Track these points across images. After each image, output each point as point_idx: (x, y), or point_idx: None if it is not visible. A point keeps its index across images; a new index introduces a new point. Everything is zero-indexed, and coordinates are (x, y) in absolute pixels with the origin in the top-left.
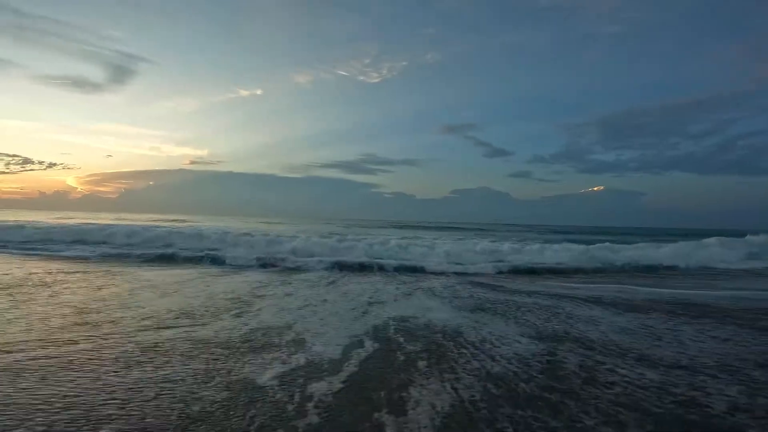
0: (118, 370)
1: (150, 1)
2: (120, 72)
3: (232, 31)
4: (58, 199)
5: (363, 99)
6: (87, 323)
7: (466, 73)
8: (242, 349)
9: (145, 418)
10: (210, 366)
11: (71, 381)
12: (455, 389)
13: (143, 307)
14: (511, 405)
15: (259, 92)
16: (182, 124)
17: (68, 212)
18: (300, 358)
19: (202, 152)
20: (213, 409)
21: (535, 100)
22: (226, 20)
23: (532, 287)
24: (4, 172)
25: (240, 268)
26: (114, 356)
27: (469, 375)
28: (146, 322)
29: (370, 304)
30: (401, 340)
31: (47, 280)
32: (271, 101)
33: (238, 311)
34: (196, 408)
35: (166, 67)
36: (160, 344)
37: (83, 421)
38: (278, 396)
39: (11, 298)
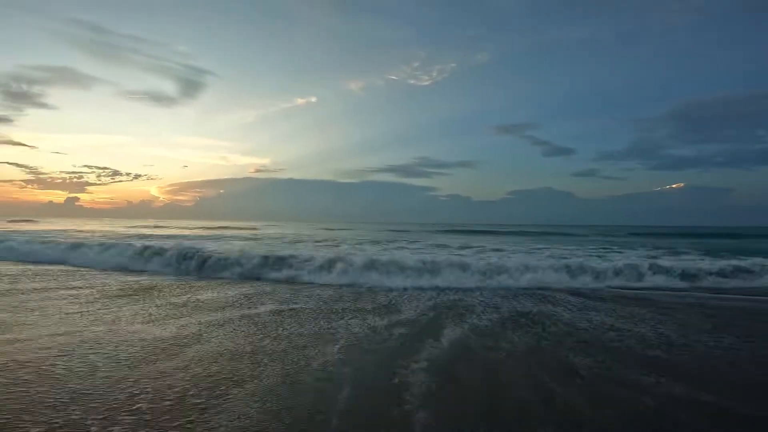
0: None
1: (212, 16)
2: (190, 85)
3: (286, 42)
4: (144, 208)
5: (414, 103)
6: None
7: (520, 72)
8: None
9: None
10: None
11: None
12: None
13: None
14: None
15: (313, 100)
16: (246, 134)
17: (152, 220)
18: None
19: (265, 161)
20: None
21: (596, 96)
22: (280, 32)
23: None
24: (96, 184)
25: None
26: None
27: None
28: None
29: None
30: None
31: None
32: (326, 108)
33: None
34: None
35: (229, 80)
36: None
37: None
38: None
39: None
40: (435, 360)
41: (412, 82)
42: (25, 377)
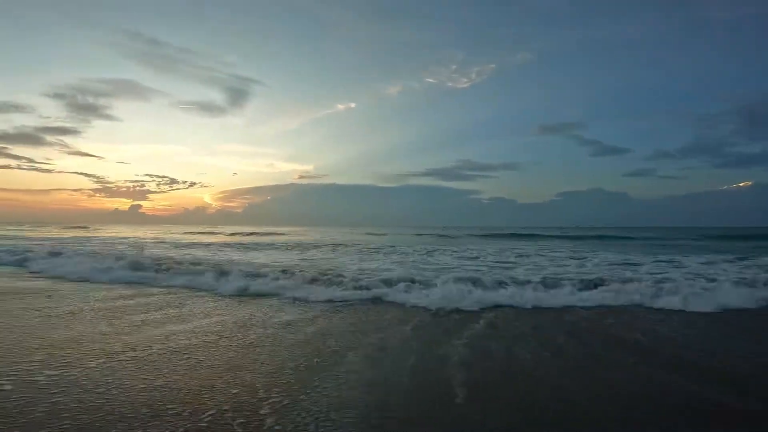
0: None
1: (256, 26)
2: (238, 94)
3: (325, 50)
4: (198, 214)
5: (453, 105)
6: None
7: (564, 71)
8: None
9: None
10: None
11: None
12: None
13: None
14: None
15: (353, 105)
16: (289, 141)
17: (205, 226)
18: None
19: (308, 167)
20: None
21: (648, 93)
22: (320, 40)
23: None
24: (156, 192)
25: None
26: None
27: None
28: None
29: None
30: None
31: None
32: (365, 113)
33: None
34: None
35: (273, 88)
36: None
37: None
38: None
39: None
40: None
41: (450, 84)
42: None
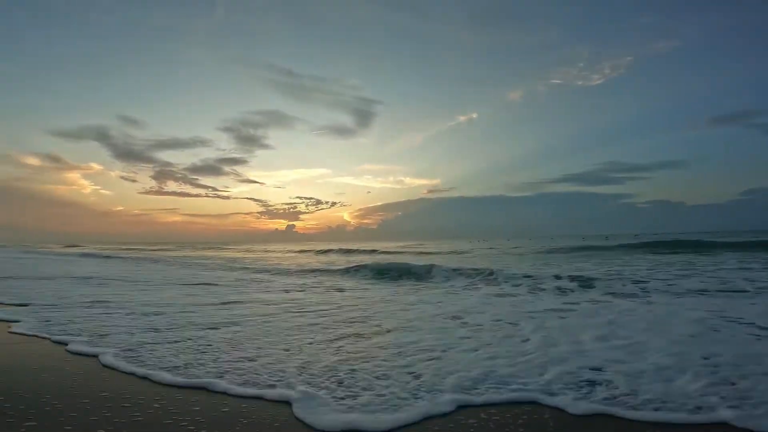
0: None
1: (372, 48)
2: (364, 116)
3: (440, 63)
4: (340, 232)
5: (586, 104)
6: None
7: (727, 56)
8: None
9: None
10: None
11: None
12: None
13: None
14: None
15: (474, 116)
16: (415, 157)
17: (345, 242)
18: None
19: (435, 181)
20: None
21: None
22: (434, 54)
23: None
24: (305, 212)
25: None
26: None
27: None
28: None
29: None
30: None
31: None
32: (488, 123)
33: None
34: None
35: (395, 106)
36: None
37: None
38: None
39: None
40: None
41: (579, 83)
42: None
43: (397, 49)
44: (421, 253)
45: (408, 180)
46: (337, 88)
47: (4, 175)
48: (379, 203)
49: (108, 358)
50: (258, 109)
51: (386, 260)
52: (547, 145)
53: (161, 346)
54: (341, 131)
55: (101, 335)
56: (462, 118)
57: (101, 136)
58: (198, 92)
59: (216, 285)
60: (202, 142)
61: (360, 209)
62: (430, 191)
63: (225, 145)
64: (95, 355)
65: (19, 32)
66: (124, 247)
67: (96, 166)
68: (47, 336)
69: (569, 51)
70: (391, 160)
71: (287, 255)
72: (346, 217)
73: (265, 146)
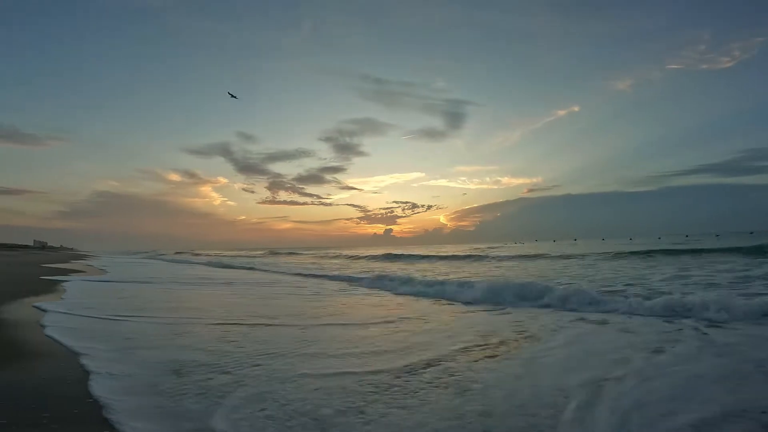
0: None
1: (458, 49)
2: (454, 117)
3: (532, 57)
4: (436, 235)
5: (715, 89)
6: None
7: None
8: None
9: None
10: None
11: None
12: None
13: None
14: None
15: (576, 109)
16: (512, 155)
17: (443, 245)
18: None
19: (536, 179)
20: None
21: None
22: (525, 49)
23: None
24: (402, 216)
25: None
26: None
27: None
28: None
29: None
30: None
31: None
32: (592, 115)
33: None
34: None
35: (487, 105)
36: None
37: None
38: None
39: None
40: None
41: (704, 66)
42: None
43: (484, 48)
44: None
45: (506, 179)
46: (425, 91)
47: (154, 190)
48: (476, 204)
49: None
50: (352, 117)
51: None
52: (668, 135)
53: None
54: (432, 134)
55: None
56: (561, 113)
57: (225, 151)
58: (297, 105)
59: None
60: (305, 153)
61: (456, 211)
62: (530, 190)
63: (325, 154)
64: None
65: (164, 64)
66: (257, 253)
67: (222, 180)
68: None
69: (684, 35)
70: (486, 161)
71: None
72: (443, 219)
73: (361, 153)
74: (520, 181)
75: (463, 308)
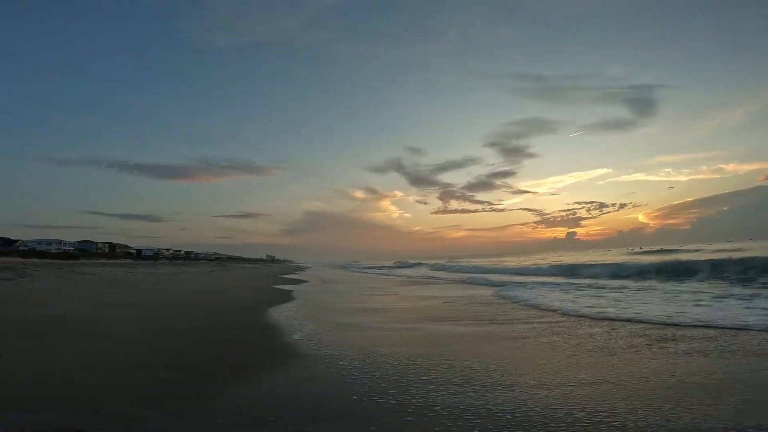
0: None
1: (637, 31)
2: (642, 104)
3: (737, 24)
4: (633, 235)
5: None
6: None
7: None
8: None
9: None
10: None
11: None
12: None
13: None
14: None
15: None
16: (736, 138)
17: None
18: None
19: None
20: None
21: None
22: (727, 19)
23: None
24: (587, 218)
25: None
26: None
27: None
28: None
29: None
30: None
31: None
32: None
33: None
34: None
35: (685, 86)
36: None
37: None
38: None
39: None
40: None
41: None
42: None
43: (674, 26)
44: None
45: (730, 167)
46: (598, 81)
47: (346, 207)
48: (689, 199)
49: None
50: (515, 119)
51: None
52: None
53: None
54: (616, 125)
55: None
56: None
57: (398, 166)
58: (456, 113)
59: None
60: (472, 160)
61: (660, 208)
62: None
63: (492, 160)
64: None
65: (338, 92)
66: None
67: (398, 193)
68: None
69: None
70: (698, 147)
71: None
72: (642, 218)
73: (531, 155)
74: (753, 167)
75: None
